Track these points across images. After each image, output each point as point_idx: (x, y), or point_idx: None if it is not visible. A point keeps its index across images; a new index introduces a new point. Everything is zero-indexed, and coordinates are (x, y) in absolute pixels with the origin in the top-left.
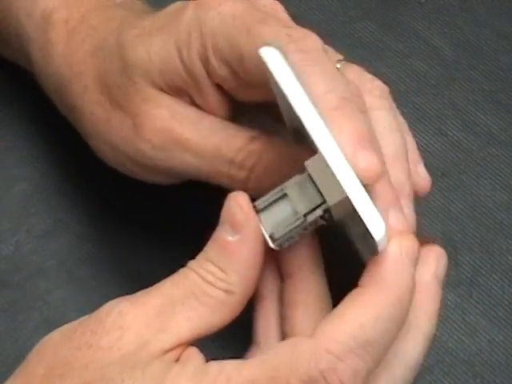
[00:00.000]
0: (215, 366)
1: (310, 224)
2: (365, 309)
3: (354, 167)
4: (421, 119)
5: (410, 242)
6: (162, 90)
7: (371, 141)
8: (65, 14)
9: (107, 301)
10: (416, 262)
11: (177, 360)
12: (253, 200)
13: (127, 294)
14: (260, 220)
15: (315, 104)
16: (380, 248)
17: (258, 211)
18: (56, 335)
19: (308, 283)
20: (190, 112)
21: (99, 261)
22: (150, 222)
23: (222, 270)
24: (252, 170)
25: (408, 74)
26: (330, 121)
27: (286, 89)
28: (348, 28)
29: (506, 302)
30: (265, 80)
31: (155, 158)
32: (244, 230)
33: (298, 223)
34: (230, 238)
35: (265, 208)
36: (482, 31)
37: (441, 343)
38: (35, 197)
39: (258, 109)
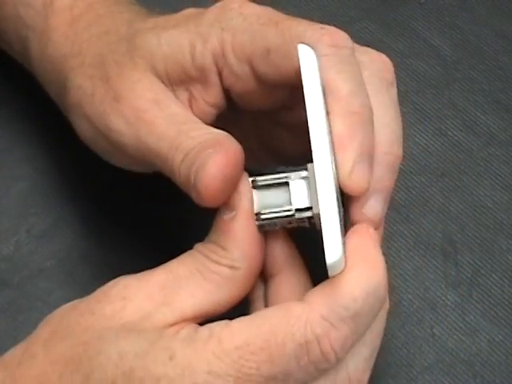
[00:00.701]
0: (205, 329)
1: (297, 221)
2: (358, 283)
3: (346, 176)
4: (421, 119)
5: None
6: (158, 77)
7: (372, 157)
8: (69, 2)
9: None
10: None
11: None
12: (252, 175)
13: None
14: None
15: (327, 115)
16: (330, 273)
17: (254, 186)
18: (65, 306)
19: (291, 280)
20: (174, 105)
21: (99, 261)
22: (151, 223)
23: (223, 248)
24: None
25: (408, 73)
26: (344, 122)
27: (307, 92)
28: (348, 28)
29: (506, 302)
30: (286, 77)
31: (125, 135)
32: (237, 208)
33: (287, 214)
34: (225, 217)
35: (262, 187)
36: (482, 31)
37: (441, 343)
38: (35, 197)
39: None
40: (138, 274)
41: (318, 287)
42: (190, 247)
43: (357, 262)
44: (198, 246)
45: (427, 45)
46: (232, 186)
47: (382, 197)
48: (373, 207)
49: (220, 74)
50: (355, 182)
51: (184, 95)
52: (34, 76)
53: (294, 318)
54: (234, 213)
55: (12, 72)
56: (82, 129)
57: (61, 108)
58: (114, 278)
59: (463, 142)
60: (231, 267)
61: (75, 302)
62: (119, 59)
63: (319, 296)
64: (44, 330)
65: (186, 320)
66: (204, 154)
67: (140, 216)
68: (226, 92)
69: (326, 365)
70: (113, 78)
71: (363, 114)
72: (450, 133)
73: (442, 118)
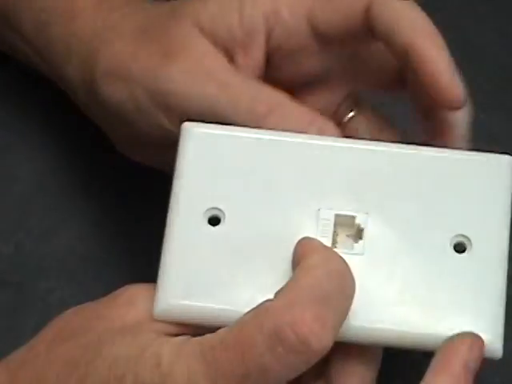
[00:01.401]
0: (196, 338)
1: None
2: (314, 269)
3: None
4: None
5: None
6: (204, 35)
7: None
8: None
9: None
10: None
11: None
12: None
13: None
14: None
15: None
16: None
17: None
18: (74, 308)
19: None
20: (225, 61)
21: (99, 261)
22: (151, 223)
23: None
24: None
25: None
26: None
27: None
28: None
29: (506, 302)
30: (349, 21)
31: (178, 83)
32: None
33: None
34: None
35: None
36: (482, 31)
37: None
38: (35, 197)
39: None
40: (150, 284)
41: (283, 286)
42: None
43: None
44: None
45: None
46: None
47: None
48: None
49: (269, 34)
50: (459, 84)
51: (223, 56)
52: (48, 61)
53: (262, 313)
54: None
55: (12, 72)
56: (115, 92)
57: (78, 86)
58: (114, 278)
59: None
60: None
61: (84, 305)
62: (164, 22)
63: (284, 290)
64: (49, 331)
65: (184, 333)
66: (312, 127)
67: (141, 216)
68: (269, 57)
69: (308, 350)
70: (158, 38)
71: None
72: None
73: None
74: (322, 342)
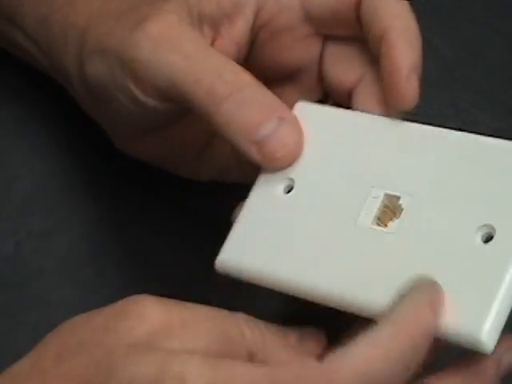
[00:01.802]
0: (228, 364)
1: None
2: (376, 347)
3: (404, 78)
4: (421, 119)
5: (433, 291)
6: (189, 14)
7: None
8: None
9: (107, 301)
10: (437, 311)
11: None
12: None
13: (127, 294)
14: None
15: None
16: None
17: None
18: (79, 317)
19: None
20: (198, 35)
21: (99, 261)
22: (151, 223)
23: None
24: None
25: None
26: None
27: None
28: None
29: None
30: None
31: (143, 49)
32: None
33: None
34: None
35: None
36: (482, 31)
37: None
38: (35, 197)
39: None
40: (164, 299)
41: (340, 349)
42: (192, 249)
43: (381, 323)
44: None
45: (427, 45)
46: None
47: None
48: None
49: (259, 8)
50: (412, 87)
51: (209, 33)
52: (57, 61)
53: (306, 376)
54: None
55: (12, 72)
56: (96, 68)
57: (74, 76)
58: (114, 278)
59: None
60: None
61: (90, 313)
62: (151, 1)
63: (335, 357)
64: (54, 342)
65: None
66: (272, 117)
67: (141, 217)
68: (255, 36)
69: None
70: (140, 8)
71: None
72: None
73: (442, 117)
74: None
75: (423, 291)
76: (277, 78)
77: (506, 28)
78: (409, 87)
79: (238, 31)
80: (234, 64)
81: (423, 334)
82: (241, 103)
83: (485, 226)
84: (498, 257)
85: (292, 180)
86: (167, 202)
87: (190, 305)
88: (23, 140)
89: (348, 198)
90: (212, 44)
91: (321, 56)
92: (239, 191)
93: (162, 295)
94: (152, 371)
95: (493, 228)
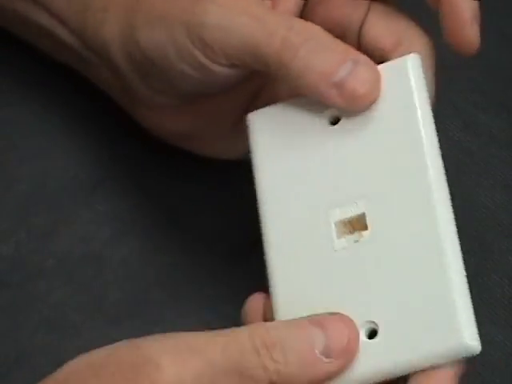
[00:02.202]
0: None
1: None
2: None
3: (468, 25)
4: None
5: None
6: None
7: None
8: None
9: (107, 301)
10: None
11: None
12: None
13: (127, 295)
14: None
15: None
16: None
17: None
18: (81, 364)
19: None
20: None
21: (99, 261)
22: (152, 223)
23: (286, 367)
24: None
25: None
26: None
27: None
28: None
29: (506, 302)
30: None
31: (213, 16)
32: (338, 361)
33: None
34: (317, 353)
35: None
36: (481, 31)
37: None
38: (35, 197)
39: None
40: (173, 350)
41: None
42: (192, 249)
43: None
44: (258, 342)
45: None
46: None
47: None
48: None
49: None
50: (476, 32)
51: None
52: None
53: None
54: (330, 361)
55: (12, 72)
56: (155, 35)
57: (114, 44)
58: (114, 278)
59: (463, 142)
60: (271, 382)
61: (94, 360)
62: None
63: None
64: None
65: None
66: (347, 59)
67: (140, 217)
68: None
69: None
70: None
71: None
72: (450, 133)
73: (442, 118)
74: None
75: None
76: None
77: (506, 28)
78: (473, 32)
79: (292, 3)
80: (301, 19)
81: None
82: (315, 49)
83: None
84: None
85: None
86: (169, 203)
87: (200, 346)
88: (23, 140)
89: (313, 225)
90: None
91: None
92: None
93: (162, 295)
94: None
95: None
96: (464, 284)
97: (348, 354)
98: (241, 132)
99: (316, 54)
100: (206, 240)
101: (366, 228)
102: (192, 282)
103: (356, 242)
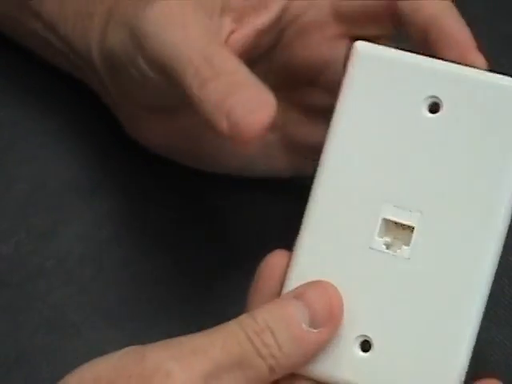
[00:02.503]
0: None
1: None
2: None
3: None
4: None
5: None
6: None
7: None
8: None
9: (107, 301)
10: None
11: None
12: None
13: (127, 295)
14: None
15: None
16: None
17: None
18: (88, 377)
19: None
20: (207, 23)
21: (99, 261)
22: (151, 223)
23: (279, 348)
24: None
25: None
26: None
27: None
28: None
29: (506, 302)
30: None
31: (155, 27)
32: (326, 328)
33: None
34: (304, 326)
35: None
36: (481, 31)
37: None
38: (35, 197)
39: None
40: (178, 354)
41: None
42: (191, 250)
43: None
44: (252, 332)
45: None
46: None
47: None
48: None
49: (288, 3)
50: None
51: (230, 25)
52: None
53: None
54: (319, 331)
55: (12, 72)
56: (113, 36)
57: (95, 48)
58: (114, 278)
59: None
60: (271, 370)
61: (100, 372)
62: None
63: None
64: None
65: None
66: (250, 102)
67: (140, 217)
68: (283, 32)
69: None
70: None
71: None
72: None
73: None
74: None
75: None
76: (301, 78)
77: (506, 28)
78: (478, 60)
79: (261, 22)
80: (226, 53)
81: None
82: (225, 84)
83: None
84: None
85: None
86: (169, 204)
87: (202, 348)
88: (23, 140)
89: (361, 215)
90: (231, 32)
91: None
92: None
93: (162, 295)
94: None
95: None
96: (472, 342)
97: (334, 319)
98: (222, 151)
99: (223, 91)
100: (206, 240)
101: (408, 243)
102: (192, 282)
103: (393, 253)
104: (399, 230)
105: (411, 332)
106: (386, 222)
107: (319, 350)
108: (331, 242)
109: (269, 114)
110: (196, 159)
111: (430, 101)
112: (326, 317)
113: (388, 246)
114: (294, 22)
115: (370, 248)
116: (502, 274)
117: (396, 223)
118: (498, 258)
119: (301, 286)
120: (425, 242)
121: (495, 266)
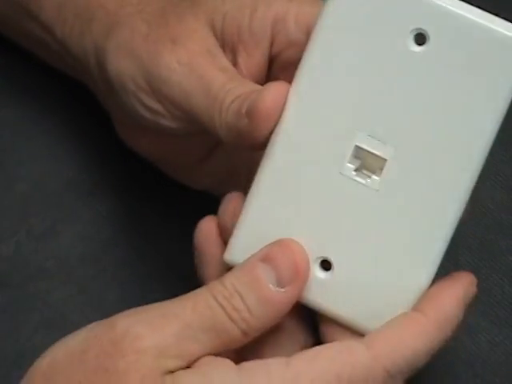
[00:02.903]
0: (259, 366)
1: None
2: (422, 338)
3: None
4: None
5: (473, 290)
6: (214, 34)
7: None
8: None
9: (107, 301)
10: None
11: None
12: None
13: (127, 294)
14: None
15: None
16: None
17: None
18: (60, 354)
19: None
20: (225, 61)
21: (99, 261)
22: (151, 223)
23: (249, 311)
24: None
25: None
26: None
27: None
28: None
29: (506, 302)
30: None
31: (174, 72)
32: (291, 287)
33: None
34: (271, 287)
35: None
36: None
37: None
38: (35, 197)
39: None
40: (148, 318)
41: (383, 330)
42: (191, 250)
43: (426, 313)
44: (221, 298)
45: None
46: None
47: None
48: None
49: (273, 40)
50: None
51: (229, 58)
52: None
53: (357, 362)
54: (283, 290)
55: (12, 72)
56: (122, 66)
57: (91, 55)
58: (114, 278)
59: None
60: (244, 333)
61: (71, 348)
62: (181, 11)
63: (383, 344)
64: (37, 381)
65: (190, 365)
66: (260, 91)
67: (140, 217)
68: (270, 63)
69: None
70: (172, 24)
71: None
72: None
73: None
74: None
75: (465, 289)
76: None
77: None
78: None
79: (255, 63)
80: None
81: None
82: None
83: None
84: None
85: None
86: (169, 204)
87: (172, 311)
88: (23, 140)
89: (334, 142)
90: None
91: None
92: None
93: (162, 295)
94: None
95: None
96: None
97: (300, 276)
98: (207, 168)
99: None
100: None
101: (379, 175)
102: (191, 282)
103: (362, 181)
104: (371, 162)
105: (373, 257)
106: (359, 150)
107: (289, 307)
108: (301, 163)
109: (282, 92)
110: (176, 172)
111: (416, 32)
112: (293, 275)
113: (358, 174)
114: (277, 58)
115: (340, 174)
116: (501, 274)
117: (368, 154)
118: (467, 198)
119: (265, 248)
120: (395, 176)
121: (463, 207)
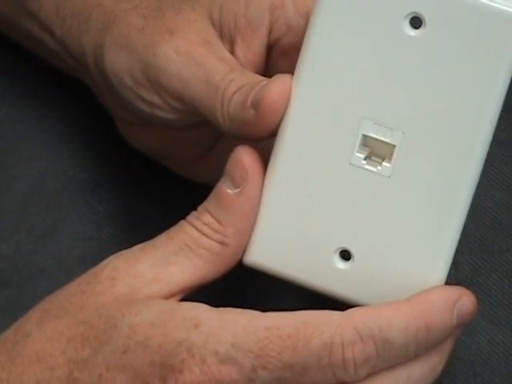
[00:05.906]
0: (244, 312)
1: None
2: (400, 314)
3: None
4: None
5: (468, 302)
6: (213, 24)
7: None
8: None
9: None
10: (463, 323)
11: None
12: None
13: None
14: None
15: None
16: None
17: None
18: (52, 294)
19: None
20: (224, 51)
21: (99, 261)
22: (150, 224)
23: (218, 222)
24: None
25: None
26: None
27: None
28: None
29: (506, 302)
30: None
31: (173, 62)
32: (244, 184)
33: None
34: (229, 191)
35: None
36: None
37: None
38: (35, 197)
39: None
40: (127, 253)
41: (363, 307)
42: None
43: (411, 300)
44: (192, 219)
45: None
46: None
47: None
48: None
49: (271, 27)
50: None
51: (227, 49)
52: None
53: (329, 320)
54: (238, 190)
55: (12, 72)
56: (119, 61)
57: (90, 54)
58: None
59: None
60: (222, 243)
61: (63, 287)
62: (177, 4)
63: (359, 311)
64: (34, 312)
65: (173, 294)
66: (266, 82)
67: (140, 217)
68: (269, 50)
69: (343, 374)
70: (168, 16)
71: None
72: None
73: None
74: (357, 373)
75: (458, 297)
76: None
77: None
78: None
79: (252, 51)
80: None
81: (444, 329)
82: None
83: None
84: None
85: None
86: (168, 204)
87: (151, 243)
88: (23, 140)
89: (341, 132)
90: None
91: None
92: None
93: None
94: (159, 315)
95: None
96: (451, 255)
97: (251, 176)
98: (210, 161)
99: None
100: None
101: (389, 161)
102: None
103: (373, 169)
104: (380, 149)
105: (389, 244)
106: (366, 139)
107: (250, 205)
108: (311, 157)
109: (288, 84)
110: (178, 166)
111: (412, 15)
112: (243, 177)
113: (368, 162)
114: (276, 44)
115: (350, 164)
116: (501, 274)
117: (376, 141)
118: (476, 181)
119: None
120: (406, 162)
121: (474, 190)
